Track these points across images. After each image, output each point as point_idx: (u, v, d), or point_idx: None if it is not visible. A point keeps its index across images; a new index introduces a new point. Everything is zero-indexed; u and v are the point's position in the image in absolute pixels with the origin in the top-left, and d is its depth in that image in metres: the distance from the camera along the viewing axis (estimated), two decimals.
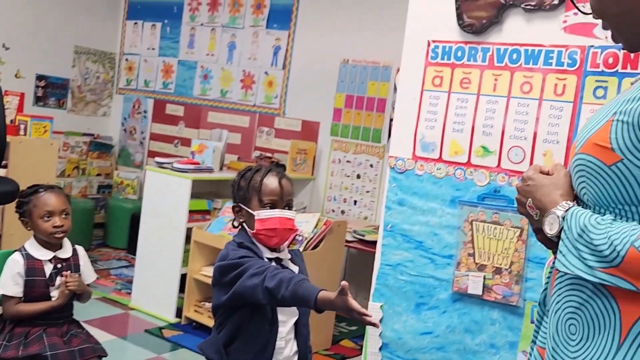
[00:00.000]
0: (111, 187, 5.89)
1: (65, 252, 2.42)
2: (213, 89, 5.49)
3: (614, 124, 1.08)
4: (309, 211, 4.59)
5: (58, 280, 2.35)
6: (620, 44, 1.24)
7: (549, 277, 1.29)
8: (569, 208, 1.13)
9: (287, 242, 2.02)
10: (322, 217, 3.57)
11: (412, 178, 2.45)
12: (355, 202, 4.70)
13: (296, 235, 3.36)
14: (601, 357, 1.07)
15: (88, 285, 2.47)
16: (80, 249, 2.49)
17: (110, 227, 5.59)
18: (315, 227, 3.46)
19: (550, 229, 1.15)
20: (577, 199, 1.19)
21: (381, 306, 2.50)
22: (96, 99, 6.08)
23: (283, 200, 1.91)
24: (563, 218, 1.13)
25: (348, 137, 4.72)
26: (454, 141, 2.37)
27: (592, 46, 2.12)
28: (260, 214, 1.87)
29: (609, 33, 2.08)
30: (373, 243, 3.45)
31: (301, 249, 3.33)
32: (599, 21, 2.13)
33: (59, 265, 2.37)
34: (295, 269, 1.94)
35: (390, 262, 2.50)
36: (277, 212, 1.88)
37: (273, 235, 1.88)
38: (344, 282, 1.59)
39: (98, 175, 5.95)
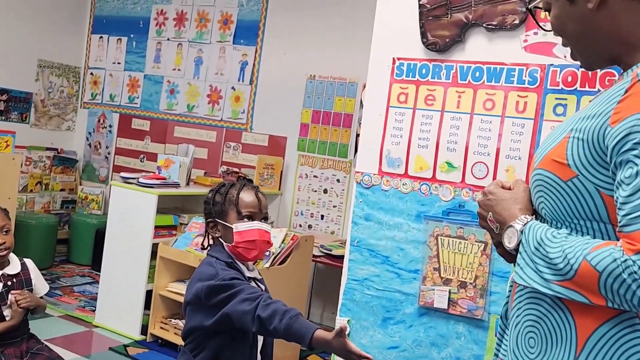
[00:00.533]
0: (75, 202, 5.80)
1: (14, 267, 2.38)
2: (179, 103, 5.47)
3: (570, 140, 1.11)
4: (277, 226, 4.59)
5: (11, 297, 2.30)
6: (578, 63, 1.28)
7: (509, 291, 1.32)
8: (527, 222, 1.15)
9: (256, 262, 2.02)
10: (289, 232, 3.57)
11: (378, 193, 2.48)
12: (322, 216, 4.72)
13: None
14: None
15: (41, 297, 2.43)
16: (29, 262, 2.45)
17: (74, 243, 5.50)
18: (282, 242, 3.46)
19: (509, 242, 1.17)
20: (536, 213, 1.21)
21: (348, 321, 2.51)
22: (60, 113, 5.99)
23: (261, 213, 1.90)
24: (521, 232, 1.15)
25: (315, 152, 4.74)
26: (419, 157, 2.41)
27: (551, 65, 2.19)
28: (239, 226, 1.85)
29: (568, 52, 2.15)
30: (340, 257, 3.47)
31: (268, 265, 3.33)
32: (559, 40, 2.20)
33: (8, 283, 2.33)
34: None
35: (357, 277, 2.52)
36: (255, 224, 1.87)
37: (252, 247, 1.86)
38: (343, 324, 1.60)
39: (62, 190, 5.86)
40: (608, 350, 1.06)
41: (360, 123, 2.96)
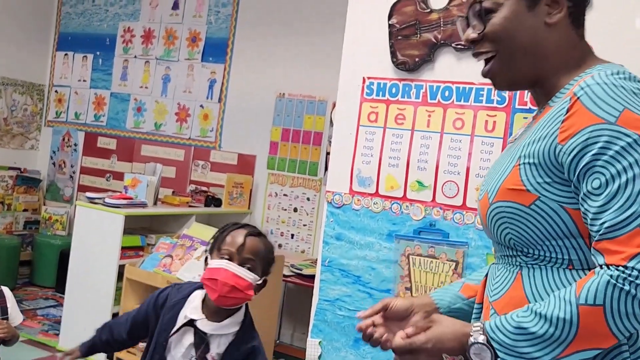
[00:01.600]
0: (39, 223, 5.66)
1: None
2: (147, 121, 5.40)
3: (521, 167, 1.12)
4: None
5: None
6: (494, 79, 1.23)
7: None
8: (481, 326, 1.08)
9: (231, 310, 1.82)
10: None
11: (349, 213, 2.47)
12: (292, 235, 4.68)
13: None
14: None
15: (15, 327, 2.35)
16: (6, 290, 2.37)
17: (37, 265, 5.36)
18: None
19: (481, 358, 1.06)
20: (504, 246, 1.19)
21: (320, 342, 2.48)
22: (23, 132, 5.87)
23: (240, 256, 1.75)
24: (490, 338, 1.06)
25: (285, 170, 4.72)
26: (389, 176, 2.40)
27: None
28: (213, 262, 1.76)
29: None
30: (311, 277, 3.43)
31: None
32: None
33: None
34: (220, 349, 1.76)
35: (329, 297, 2.49)
36: (223, 263, 1.73)
37: (213, 286, 1.72)
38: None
39: (25, 210, 5.71)
40: None
41: (330, 141, 2.96)
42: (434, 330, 1.11)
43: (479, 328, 1.08)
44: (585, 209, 1.04)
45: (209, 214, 4.54)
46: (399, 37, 2.40)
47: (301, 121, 4.67)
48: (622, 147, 1.01)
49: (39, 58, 5.93)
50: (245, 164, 4.89)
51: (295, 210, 4.68)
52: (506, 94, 2.22)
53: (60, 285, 4.79)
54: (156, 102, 5.35)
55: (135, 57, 5.49)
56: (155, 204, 4.23)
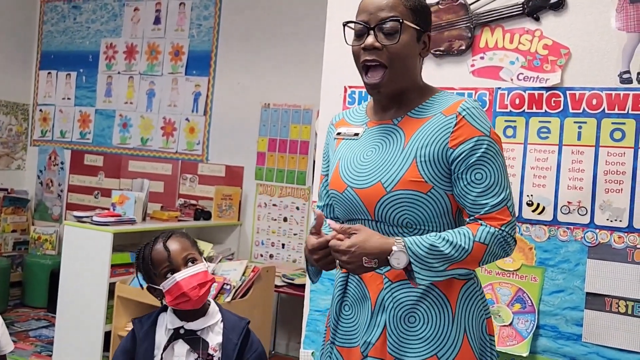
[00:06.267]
0: (28, 243, 5.62)
1: None
2: (133, 137, 5.39)
3: (418, 165, 1.50)
4: (237, 257, 4.53)
5: None
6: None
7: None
8: (402, 241, 1.44)
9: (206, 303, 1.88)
10: (249, 264, 3.52)
11: None
12: (283, 245, 4.68)
13: (223, 285, 3.29)
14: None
15: (4, 355, 2.32)
16: None
17: (28, 286, 5.32)
18: (243, 275, 3.41)
19: (398, 263, 1.42)
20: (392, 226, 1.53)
21: (312, 353, 2.47)
22: (9, 152, 5.84)
23: (176, 261, 1.78)
24: (407, 249, 1.42)
25: (273, 180, 4.72)
26: None
27: (499, 88, 2.22)
28: (165, 285, 1.77)
29: (514, 75, 2.20)
30: (303, 287, 3.43)
31: (229, 299, 3.27)
32: (505, 64, 2.24)
33: None
34: (216, 339, 1.82)
35: (320, 307, 2.49)
36: (176, 277, 1.76)
37: (186, 299, 1.76)
38: None
39: (13, 231, 5.68)
40: (468, 301, 1.54)
41: (316, 149, 2.96)
42: (358, 236, 1.44)
43: (401, 241, 1.44)
44: (465, 193, 1.49)
45: (199, 228, 4.53)
46: None
47: (287, 131, 4.67)
48: (495, 152, 1.50)
49: (22, 78, 5.90)
50: (234, 176, 4.88)
51: (285, 219, 4.68)
52: (486, 98, 2.24)
53: (51, 305, 4.76)
54: (141, 117, 5.34)
55: (118, 73, 5.48)
56: (144, 219, 4.21)
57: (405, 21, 1.51)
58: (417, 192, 1.49)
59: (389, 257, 1.42)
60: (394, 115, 1.60)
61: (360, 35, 1.56)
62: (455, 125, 1.50)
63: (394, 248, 1.42)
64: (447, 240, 1.44)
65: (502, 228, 1.48)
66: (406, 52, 1.53)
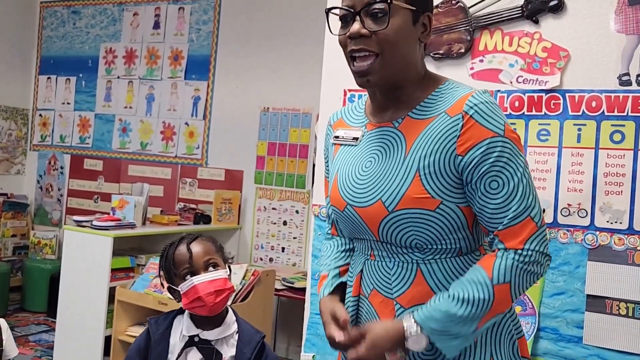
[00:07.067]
0: (28, 247, 5.62)
1: None
2: (132, 141, 5.39)
3: (422, 178, 1.28)
4: (237, 261, 4.53)
5: None
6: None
7: None
8: (411, 319, 1.26)
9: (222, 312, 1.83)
10: (249, 268, 3.52)
11: None
12: (283, 249, 4.68)
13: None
14: None
15: None
16: (2, 322, 2.31)
17: (27, 290, 5.31)
18: (243, 279, 3.41)
19: (419, 346, 1.26)
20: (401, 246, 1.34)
21: (313, 356, 2.47)
22: (9, 157, 5.84)
23: (197, 264, 1.76)
24: (420, 328, 1.25)
25: (272, 184, 4.72)
26: None
27: (499, 91, 2.23)
28: (183, 287, 1.75)
29: (514, 78, 2.20)
30: (303, 290, 3.43)
31: (229, 302, 3.26)
32: (504, 67, 2.25)
33: None
34: (230, 351, 1.78)
35: None
36: (194, 280, 1.73)
37: (201, 304, 1.73)
38: None
39: (13, 236, 5.67)
40: None
41: (316, 152, 2.97)
42: (368, 340, 1.27)
43: (409, 320, 1.26)
44: (482, 205, 1.27)
45: (199, 232, 4.52)
46: None
47: (287, 134, 4.68)
48: (512, 153, 1.27)
49: (22, 83, 5.91)
50: (233, 180, 4.88)
51: (284, 223, 4.68)
52: None
53: (51, 309, 4.76)
54: (141, 121, 5.35)
55: (118, 77, 5.49)
56: (143, 224, 4.21)
57: (395, 1, 1.29)
58: (423, 210, 1.28)
59: (406, 345, 1.27)
60: (394, 117, 1.37)
61: (346, 23, 1.35)
62: (462, 127, 1.26)
63: (407, 333, 1.26)
64: (461, 299, 1.23)
65: (525, 247, 1.24)
66: (399, 38, 1.30)
